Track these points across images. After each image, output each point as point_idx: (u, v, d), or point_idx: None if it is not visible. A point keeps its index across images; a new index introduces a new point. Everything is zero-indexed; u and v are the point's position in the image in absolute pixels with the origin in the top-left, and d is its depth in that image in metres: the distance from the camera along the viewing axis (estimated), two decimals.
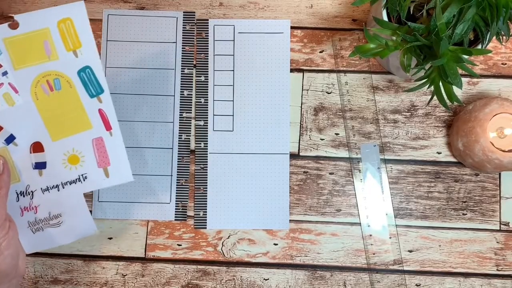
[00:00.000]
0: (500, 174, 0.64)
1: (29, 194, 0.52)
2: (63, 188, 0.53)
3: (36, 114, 0.52)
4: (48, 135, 0.52)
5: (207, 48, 0.66)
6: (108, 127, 0.53)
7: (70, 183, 0.53)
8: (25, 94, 0.51)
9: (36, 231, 0.53)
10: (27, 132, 0.52)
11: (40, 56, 0.51)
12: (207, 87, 0.66)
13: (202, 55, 0.66)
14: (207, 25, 0.66)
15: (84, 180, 0.54)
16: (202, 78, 0.66)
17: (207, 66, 0.66)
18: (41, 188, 0.53)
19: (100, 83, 0.53)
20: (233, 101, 0.65)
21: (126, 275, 0.63)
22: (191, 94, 0.66)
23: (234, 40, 0.66)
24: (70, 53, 0.52)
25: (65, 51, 0.52)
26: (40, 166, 0.52)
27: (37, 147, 0.52)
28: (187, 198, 0.64)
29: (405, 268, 0.63)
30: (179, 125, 0.65)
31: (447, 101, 0.53)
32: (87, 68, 0.52)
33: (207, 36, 0.66)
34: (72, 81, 0.52)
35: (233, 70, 0.66)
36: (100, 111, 0.53)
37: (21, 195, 0.52)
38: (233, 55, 0.66)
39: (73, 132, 0.53)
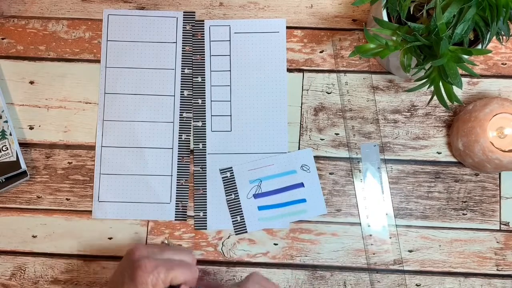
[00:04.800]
0: (500, 174, 0.64)
1: None
2: None
3: None
4: None
5: (203, 49, 0.66)
6: None
7: None
8: None
9: None
10: None
11: None
12: (204, 88, 0.66)
13: (199, 56, 0.66)
14: (203, 26, 0.66)
15: None
16: (199, 79, 0.66)
17: (204, 67, 0.66)
18: None
19: None
20: (230, 101, 0.65)
21: None
22: (191, 94, 0.66)
23: (230, 40, 0.66)
24: None
25: None
26: None
27: None
28: (187, 198, 0.64)
29: (405, 268, 0.63)
30: (179, 125, 0.65)
31: (447, 101, 0.53)
32: None
33: (203, 37, 0.66)
34: None
35: (230, 70, 0.66)
36: None
37: None
38: (230, 55, 0.66)
39: None
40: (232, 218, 0.63)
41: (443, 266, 0.63)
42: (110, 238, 0.64)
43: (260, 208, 0.63)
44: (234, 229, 0.63)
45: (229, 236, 0.63)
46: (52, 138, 0.65)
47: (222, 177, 0.64)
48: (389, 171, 0.64)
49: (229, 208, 0.63)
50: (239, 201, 0.63)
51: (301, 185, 0.63)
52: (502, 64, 0.65)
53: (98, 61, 0.66)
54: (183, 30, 0.66)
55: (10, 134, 0.63)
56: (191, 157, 0.65)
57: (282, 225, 0.63)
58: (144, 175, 0.64)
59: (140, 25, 0.66)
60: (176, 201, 0.64)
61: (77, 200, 0.64)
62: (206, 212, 0.63)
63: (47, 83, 0.66)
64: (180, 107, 0.65)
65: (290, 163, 0.64)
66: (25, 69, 0.66)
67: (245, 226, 0.63)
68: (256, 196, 0.63)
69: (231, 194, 0.63)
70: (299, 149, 0.64)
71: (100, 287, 0.63)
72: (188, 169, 0.64)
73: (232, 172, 0.64)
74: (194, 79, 0.66)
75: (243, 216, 0.63)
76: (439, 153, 0.64)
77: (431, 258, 0.63)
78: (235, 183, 0.63)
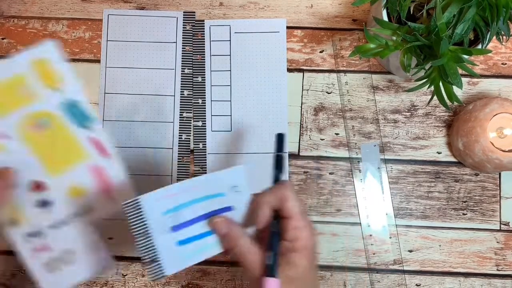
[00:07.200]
0: (500, 174, 0.64)
1: (38, 235, 0.51)
2: (71, 222, 0.52)
3: (29, 155, 0.51)
4: (47, 173, 0.52)
5: (203, 49, 0.66)
6: (104, 153, 0.53)
7: (76, 215, 0.53)
8: (15, 138, 0.51)
9: (53, 270, 0.52)
10: (24, 174, 0.52)
11: (21, 100, 0.51)
12: (204, 87, 0.66)
13: (199, 56, 0.66)
14: (203, 26, 0.66)
15: (91, 211, 0.53)
16: (199, 79, 0.66)
17: (204, 67, 0.66)
18: (49, 226, 0.52)
19: (87, 113, 0.52)
20: (230, 101, 0.65)
21: (126, 275, 0.63)
22: (191, 94, 0.66)
23: (230, 40, 0.66)
24: (51, 91, 0.51)
25: (46, 90, 0.51)
26: (44, 204, 0.52)
27: (38, 186, 0.52)
28: None
29: (405, 268, 0.63)
30: (179, 125, 0.65)
31: (447, 101, 0.53)
32: (72, 101, 0.52)
33: (203, 37, 0.66)
34: (59, 117, 0.52)
35: (230, 70, 0.66)
36: (93, 140, 0.52)
37: (30, 236, 0.52)
38: (230, 55, 0.66)
39: (71, 165, 0.52)
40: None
41: (443, 266, 0.63)
42: (110, 238, 0.64)
43: (180, 242, 0.46)
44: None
45: None
46: None
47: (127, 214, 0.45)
48: (389, 171, 0.64)
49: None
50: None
51: (229, 208, 0.48)
52: (502, 64, 0.65)
53: (98, 61, 0.66)
54: (183, 30, 0.66)
55: None
56: (191, 157, 0.65)
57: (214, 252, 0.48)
58: (144, 175, 0.64)
59: (140, 25, 0.66)
60: None
61: None
62: None
63: None
64: (180, 107, 0.65)
65: (217, 185, 0.49)
66: None
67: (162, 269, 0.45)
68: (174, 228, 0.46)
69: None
70: (299, 149, 0.64)
71: (100, 287, 0.63)
72: (188, 169, 0.64)
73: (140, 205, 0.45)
74: (194, 79, 0.66)
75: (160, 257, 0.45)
76: (439, 153, 0.64)
77: (431, 258, 0.63)
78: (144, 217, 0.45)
